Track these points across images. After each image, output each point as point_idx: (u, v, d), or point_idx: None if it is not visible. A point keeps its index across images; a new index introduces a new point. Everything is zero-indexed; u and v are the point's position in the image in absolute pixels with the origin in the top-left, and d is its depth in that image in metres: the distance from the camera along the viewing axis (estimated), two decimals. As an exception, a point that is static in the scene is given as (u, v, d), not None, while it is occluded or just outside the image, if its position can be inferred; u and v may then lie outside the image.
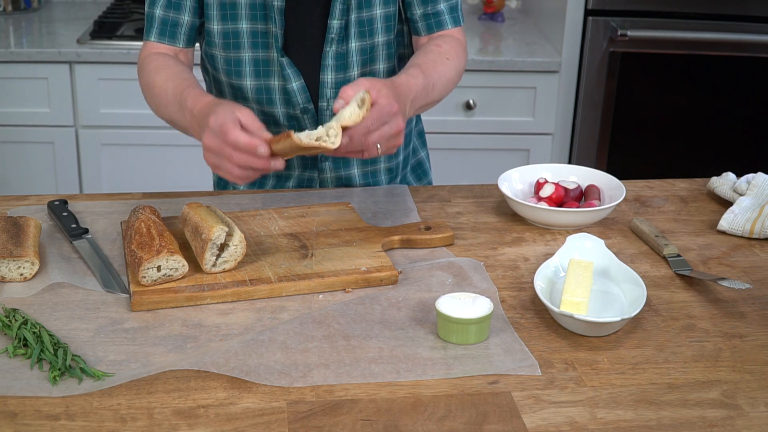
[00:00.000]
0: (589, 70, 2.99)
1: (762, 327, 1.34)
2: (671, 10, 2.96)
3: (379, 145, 1.41)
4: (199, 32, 1.73)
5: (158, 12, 1.67)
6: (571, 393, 1.18)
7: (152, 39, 1.69)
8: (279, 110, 1.73)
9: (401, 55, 1.79)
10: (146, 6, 1.69)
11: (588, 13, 2.96)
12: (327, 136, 1.35)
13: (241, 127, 1.36)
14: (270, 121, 1.75)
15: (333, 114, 1.71)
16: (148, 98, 1.66)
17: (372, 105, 1.39)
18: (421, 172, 1.96)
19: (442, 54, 1.67)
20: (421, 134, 1.97)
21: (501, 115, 3.02)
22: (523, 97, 3.01)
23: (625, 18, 2.95)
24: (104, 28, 3.00)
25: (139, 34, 2.95)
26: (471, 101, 2.98)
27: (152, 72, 1.63)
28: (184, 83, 1.56)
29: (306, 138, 1.33)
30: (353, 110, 1.36)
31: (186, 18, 1.67)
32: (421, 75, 1.58)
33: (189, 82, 1.57)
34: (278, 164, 1.38)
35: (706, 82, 3.04)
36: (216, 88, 1.78)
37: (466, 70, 2.87)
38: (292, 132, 1.33)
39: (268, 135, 1.38)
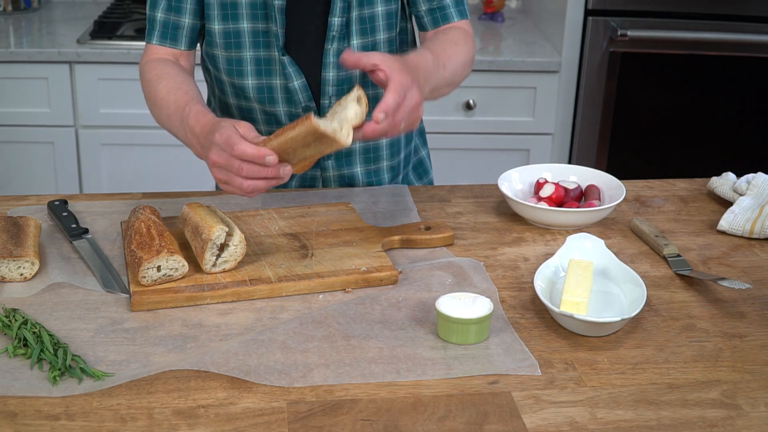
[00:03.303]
0: (589, 70, 2.99)
1: (762, 327, 1.34)
2: (671, 10, 2.96)
3: (402, 123, 1.40)
4: (200, 33, 1.73)
5: (159, 15, 1.68)
6: (571, 393, 1.18)
7: (154, 42, 1.70)
8: (281, 109, 1.73)
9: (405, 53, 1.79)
10: (147, 8, 1.70)
11: (588, 13, 2.96)
12: (341, 131, 1.35)
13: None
14: (272, 121, 1.75)
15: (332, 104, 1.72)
16: (150, 107, 1.66)
17: (387, 81, 1.38)
18: (422, 170, 1.97)
19: (449, 40, 1.67)
20: (422, 133, 1.97)
21: (501, 115, 3.02)
22: (523, 97, 3.01)
23: (625, 18, 2.95)
24: (104, 28, 3.00)
25: (139, 34, 2.95)
26: (471, 101, 2.98)
27: (154, 80, 1.64)
28: (185, 97, 1.56)
29: (323, 125, 1.32)
30: (356, 109, 1.37)
31: (187, 21, 1.68)
32: (430, 54, 1.57)
33: (190, 96, 1.57)
34: (287, 171, 1.38)
35: (706, 82, 3.04)
36: (219, 87, 1.78)
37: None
38: (311, 114, 1.31)
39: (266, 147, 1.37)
